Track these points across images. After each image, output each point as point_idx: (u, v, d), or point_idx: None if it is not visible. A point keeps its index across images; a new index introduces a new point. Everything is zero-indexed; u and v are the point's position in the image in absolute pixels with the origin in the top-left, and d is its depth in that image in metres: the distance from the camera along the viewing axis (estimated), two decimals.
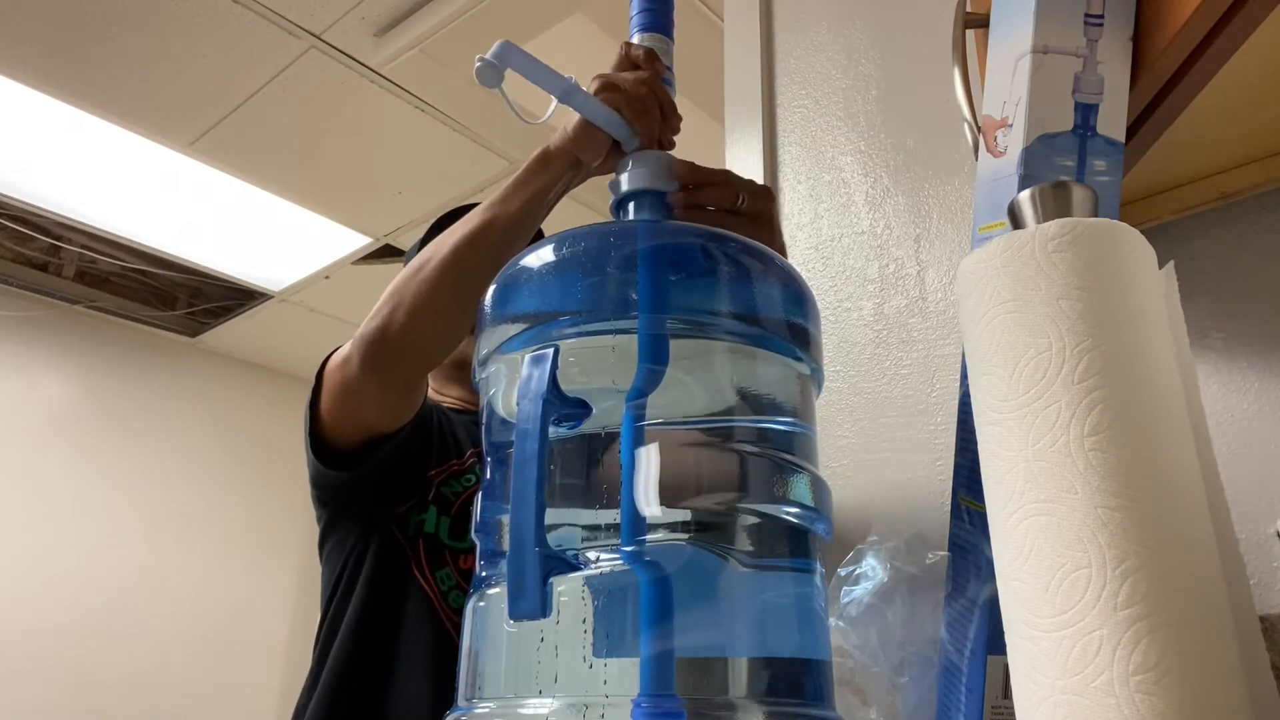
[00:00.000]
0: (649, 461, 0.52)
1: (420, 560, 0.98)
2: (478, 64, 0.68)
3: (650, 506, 0.51)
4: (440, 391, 1.20)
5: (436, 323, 0.88)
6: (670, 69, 0.78)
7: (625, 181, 0.68)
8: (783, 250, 0.86)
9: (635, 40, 0.78)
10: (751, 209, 0.76)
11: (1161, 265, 0.46)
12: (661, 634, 0.49)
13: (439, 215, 1.17)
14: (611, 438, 0.53)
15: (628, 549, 0.51)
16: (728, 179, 0.75)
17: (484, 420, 0.64)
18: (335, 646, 0.96)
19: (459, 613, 0.95)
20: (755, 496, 0.55)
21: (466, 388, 1.18)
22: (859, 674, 0.69)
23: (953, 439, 0.60)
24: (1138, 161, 0.69)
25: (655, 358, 0.55)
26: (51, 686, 3.22)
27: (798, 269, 0.66)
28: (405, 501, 1.00)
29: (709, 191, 0.73)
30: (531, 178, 0.82)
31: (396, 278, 0.90)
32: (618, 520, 0.51)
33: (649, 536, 0.51)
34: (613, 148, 0.77)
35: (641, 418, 0.53)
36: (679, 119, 0.80)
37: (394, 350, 0.89)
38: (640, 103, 0.75)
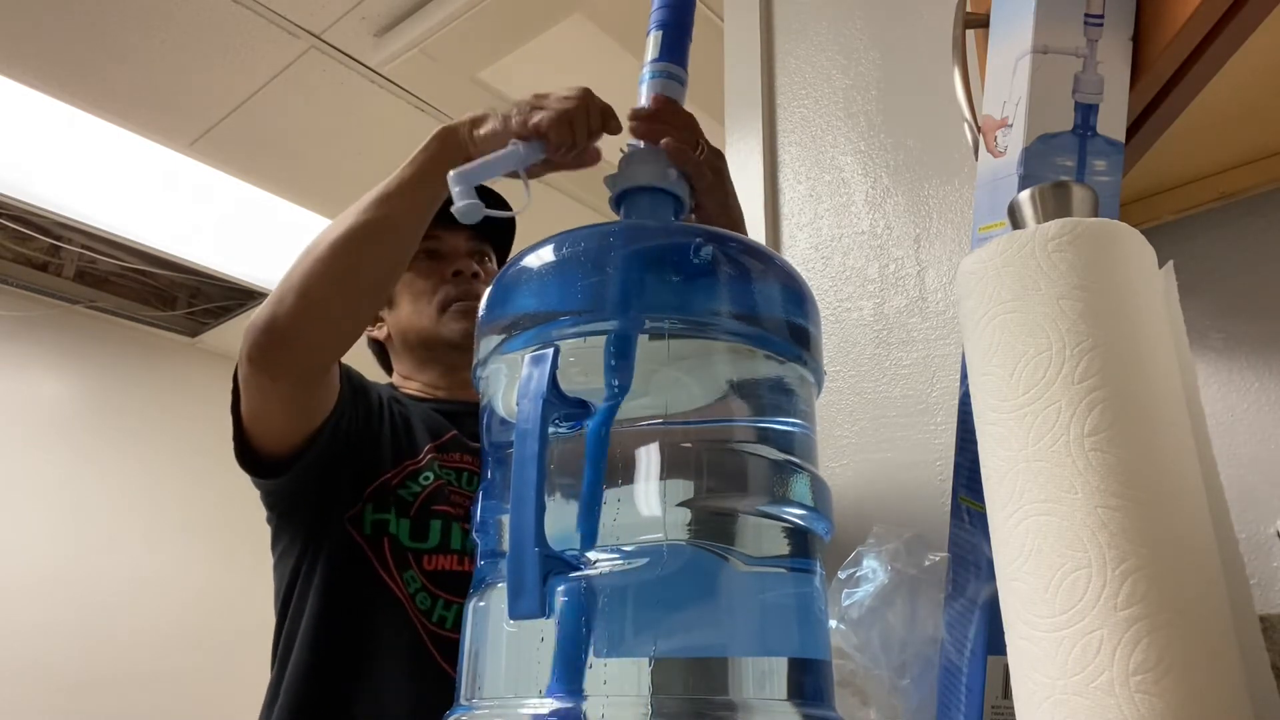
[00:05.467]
0: (649, 461, 0.52)
1: (386, 561, 0.94)
2: (457, 208, 0.70)
3: (650, 506, 0.51)
4: (408, 377, 1.13)
5: (327, 308, 0.82)
6: (670, 64, 0.77)
7: (623, 179, 0.68)
8: (739, 212, 0.86)
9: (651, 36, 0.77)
10: (710, 162, 0.76)
11: (1161, 265, 0.46)
12: (575, 636, 0.49)
13: None
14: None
15: (622, 550, 0.51)
16: (691, 123, 0.75)
17: (484, 420, 0.64)
18: (296, 651, 0.92)
19: (427, 614, 0.92)
20: (755, 497, 0.55)
21: (437, 372, 1.11)
22: (860, 676, 0.69)
23: (953, 439, 0.60)
24: (1138, 161, 0.69)
25: (620, 356, 0.55)
26: (51, 686, 3.22)
27: (797, 269, 0.66)
28: (355, 504, 0.96)
29: (673, 129, 0.72)
30: (426, 152, 0.82)
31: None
32: (618, 519, 0.51)
33: (648, 536, 0.51)
34: (572, 145, 0.77)
35: (612, 418, 0.53)
36: (615, 120, 0.79)
37: (280, 339, 0.82)
38: (564, 113, 0.75)
